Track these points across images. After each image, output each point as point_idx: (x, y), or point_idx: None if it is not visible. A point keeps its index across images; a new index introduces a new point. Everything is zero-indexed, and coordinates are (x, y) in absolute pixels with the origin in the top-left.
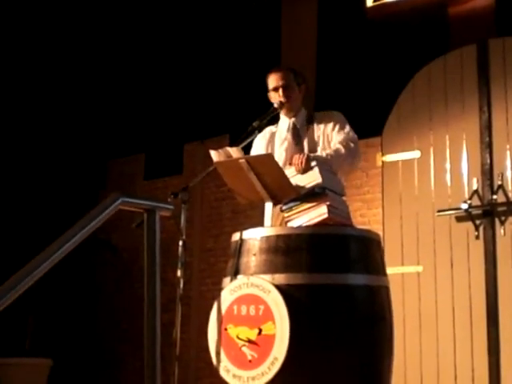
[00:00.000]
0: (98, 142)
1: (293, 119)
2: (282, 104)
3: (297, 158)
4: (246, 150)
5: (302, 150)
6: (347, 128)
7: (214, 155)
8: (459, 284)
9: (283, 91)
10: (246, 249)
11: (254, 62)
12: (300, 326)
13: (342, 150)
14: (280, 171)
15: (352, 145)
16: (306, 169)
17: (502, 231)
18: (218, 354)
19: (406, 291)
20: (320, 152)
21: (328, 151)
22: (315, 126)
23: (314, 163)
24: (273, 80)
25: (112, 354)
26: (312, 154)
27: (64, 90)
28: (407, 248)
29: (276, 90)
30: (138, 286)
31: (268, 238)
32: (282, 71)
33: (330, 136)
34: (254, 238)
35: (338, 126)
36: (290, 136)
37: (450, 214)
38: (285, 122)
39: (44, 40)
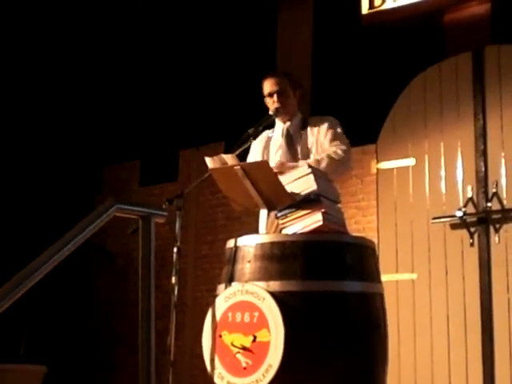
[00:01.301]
0: (93, 148)
1: (287, 124)
2: (277, 110)
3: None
4: (242, 157)
5: (295, 156)
6: (339, 134)
7: (209, 162)
8: (454, 291)
9: (278, 97)
10: (240, 256)
11: (250, 69)
12: (294, 333)
13: (333, 160)
14: (275, 178)
15: (343, 154)
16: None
17: (497, 239)
18: (212, 360)
19: (400, 298)
20: (313, 158)
21: (319, 158)
22: (309, 131)
23: (309, 170)
24: (267, 85)
25: (107, 361)
26: (305, 162)
27: (60, 97)
28: (402, 255)
29: (271, 95)
30: (133, 292)
31: (263, 244)
32: (277, 76)
33: (323, 143)
34: (248, 244)
35: (329, 133)
36: (283, 142)
37: (444, 222)
38: (279, 127)
39: (39, 48)
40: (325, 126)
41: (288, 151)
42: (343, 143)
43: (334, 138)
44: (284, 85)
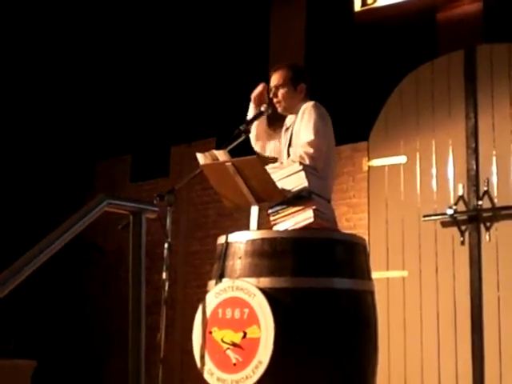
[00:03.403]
0: (85, 144)
1: (288, 118)
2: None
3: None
4: (233, 153)
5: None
6: (310, 125)
7: (201, 158)
8: (444, 289)
9: (274, 92)
10: (231, 252)
11: (242, 66)
12: (285, 330)
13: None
14: (266, 174)
15: (307, 160)
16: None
17: (487, 237)
18: (202, 357)
19: (390, 296)
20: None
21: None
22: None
23: (300, 167)
24: (271, 80)
25: (97, 356)
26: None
27: (52, 93)
28: (392, 253)
29: (271, 90)
30: (124, 287)
31: (253, 241)
32: (278, 71)
33: (299, 136)
34: (239, 241)
35: (303, 123)
36: (282, 136)
37: (435, 220)
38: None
39: (33, 44)
40: (300, 114)
41: (280, 144)
42: (311, 137)
43: (305, 130)
44: (283, 79)
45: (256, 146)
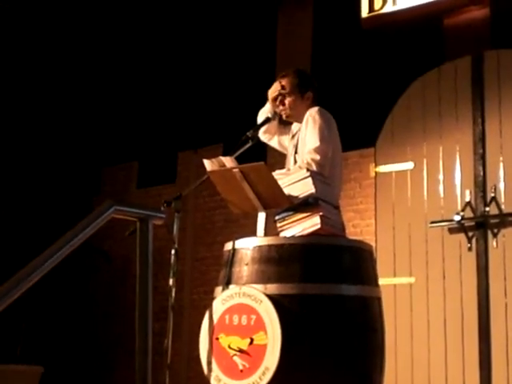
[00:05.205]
0: (92, 150)
1: (294, 125)
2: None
3: None
4: (240, 159)
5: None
6: (314, 131)
7: (208, 164)
8: (451, 296)
9: (280, 100)
10: (238, 258)
11: (249, 72)
12: (292, 336)
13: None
14: (273, 181)
15: (314, 167)
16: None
17: (495, 243)
18: (209, 363)
19: (398, 302)
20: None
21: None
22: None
23: (307, 173)
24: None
25: (103, 362)
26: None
27: (59, 99)
28: (400, 259)
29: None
30: (131, 293)
31: (260, 247)
32: (285, 78)
33: (304, 143)
34: (246, 247)
35: (308, 130)
36: (290, 144)
37: (442, 226)
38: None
39: (39, 50)
40: (305, 120)
41: (288, 152)
42: (317, 143)
43: (310, 136)
44: (289, 87)
45: (263, 137)
